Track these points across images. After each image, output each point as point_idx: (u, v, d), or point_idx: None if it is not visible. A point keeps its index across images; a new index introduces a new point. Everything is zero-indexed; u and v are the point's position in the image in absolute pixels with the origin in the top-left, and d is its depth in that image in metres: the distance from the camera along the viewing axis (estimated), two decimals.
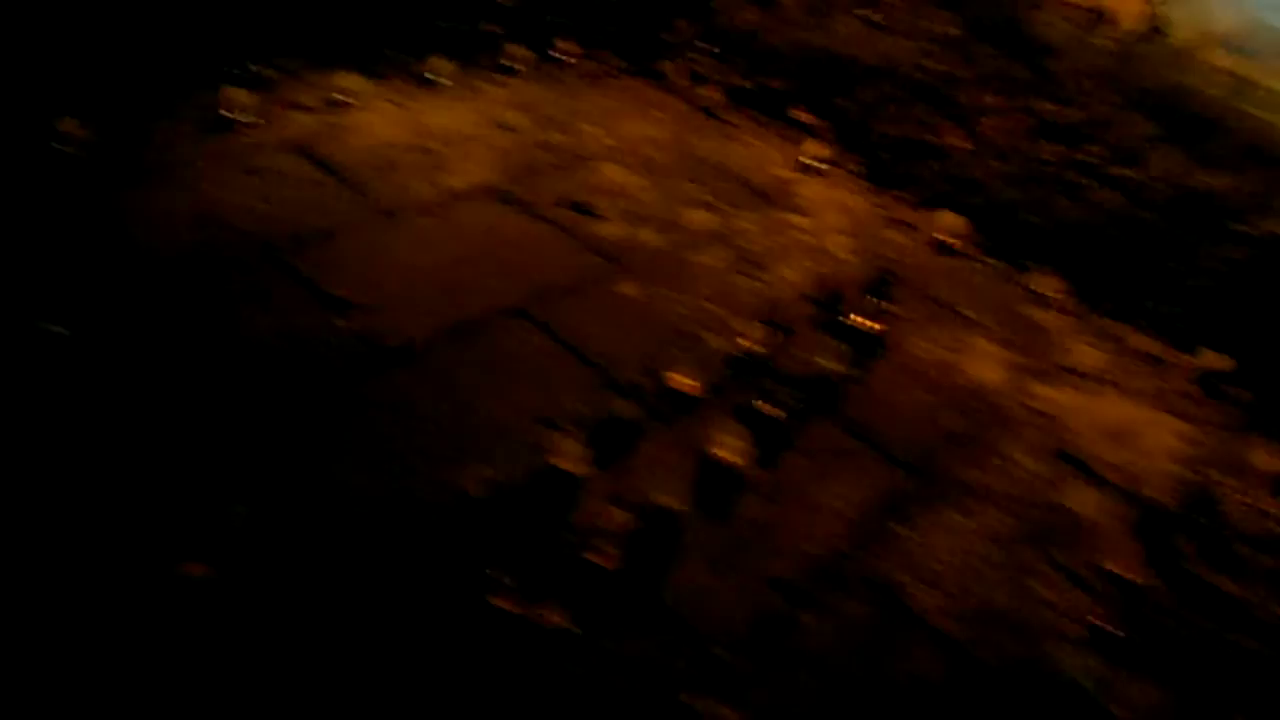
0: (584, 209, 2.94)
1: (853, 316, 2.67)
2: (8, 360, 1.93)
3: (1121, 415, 2.59)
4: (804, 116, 3.93)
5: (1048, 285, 3.15)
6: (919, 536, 2.00)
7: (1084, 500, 2.25)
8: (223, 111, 2.95)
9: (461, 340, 2.26)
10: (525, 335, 2.33)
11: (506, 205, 2.86)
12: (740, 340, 2.48)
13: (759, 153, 3.61)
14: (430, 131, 3.17)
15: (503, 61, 3.75)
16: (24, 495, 1.65)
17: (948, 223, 3.29)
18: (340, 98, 3.21)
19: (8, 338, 1.97)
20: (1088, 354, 2.84)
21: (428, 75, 3.50)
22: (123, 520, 1.65)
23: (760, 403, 2.26)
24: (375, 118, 3.18)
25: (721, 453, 2.04)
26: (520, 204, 2.89)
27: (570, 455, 1.91)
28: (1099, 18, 5.54)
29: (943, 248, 3.23)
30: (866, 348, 2.58)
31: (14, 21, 3.11)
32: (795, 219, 3.19)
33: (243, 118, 2.95)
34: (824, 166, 3.59)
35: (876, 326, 2.65)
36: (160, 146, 2.75)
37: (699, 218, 3.05)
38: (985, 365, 2.64)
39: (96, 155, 2.64)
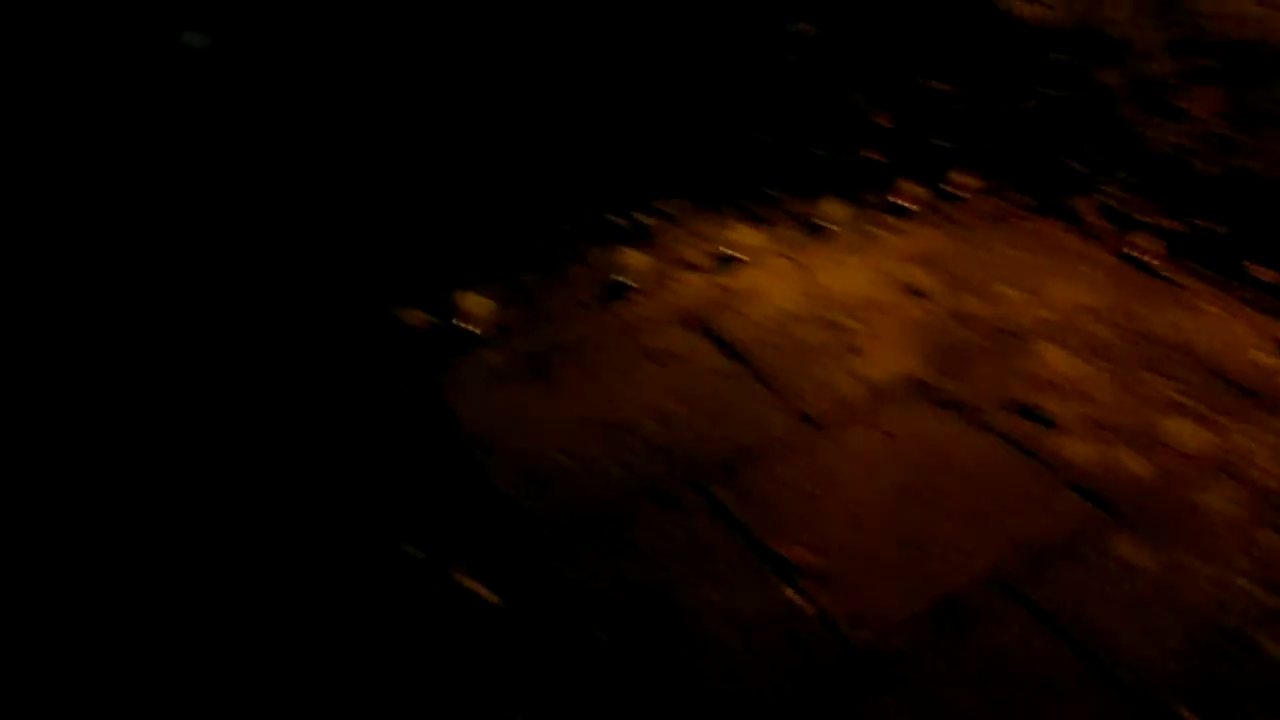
0: (1036, 415, 2.35)
1: None
2: (420, 614, 1.62)
3: None
4: (1267, 275, 3.13)
5: None
6: None
7: None
8: (612, 275, 2.66)
9: (944, 635, 1.73)
10: (1023, 630, 1.77)
11: (942, 409, 2.34)
12: None
13: (1224, 327, 2.86)
14: (831, 297, 2.72)
15: (892, 198, 3.26)
16: None
17: None
18: (728, 252, 2.85)
19: (424, 593, 1.68)
20: None
21: (814, 219, 3.08)
22: None
23: None
24: (768, 278, 2.77)
25: None
26: (957, 406, 2.35)
27: None
28: None
29: None
30: None
31: (386, 180, 3.01)
32: None
33: (633, 281, 2.64)
34: None
35: None
36: (554, 320, 2.48)
37: (1183, 430, 2.37)
38: None
39: (493, 335, 2.40)
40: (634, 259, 2.67)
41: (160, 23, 2.91)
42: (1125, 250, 3.18)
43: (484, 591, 1.69)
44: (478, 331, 2.38)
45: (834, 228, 3.07)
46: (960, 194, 3.36)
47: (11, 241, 2.40)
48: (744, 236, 2.88)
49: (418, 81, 3.36)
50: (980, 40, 4.20)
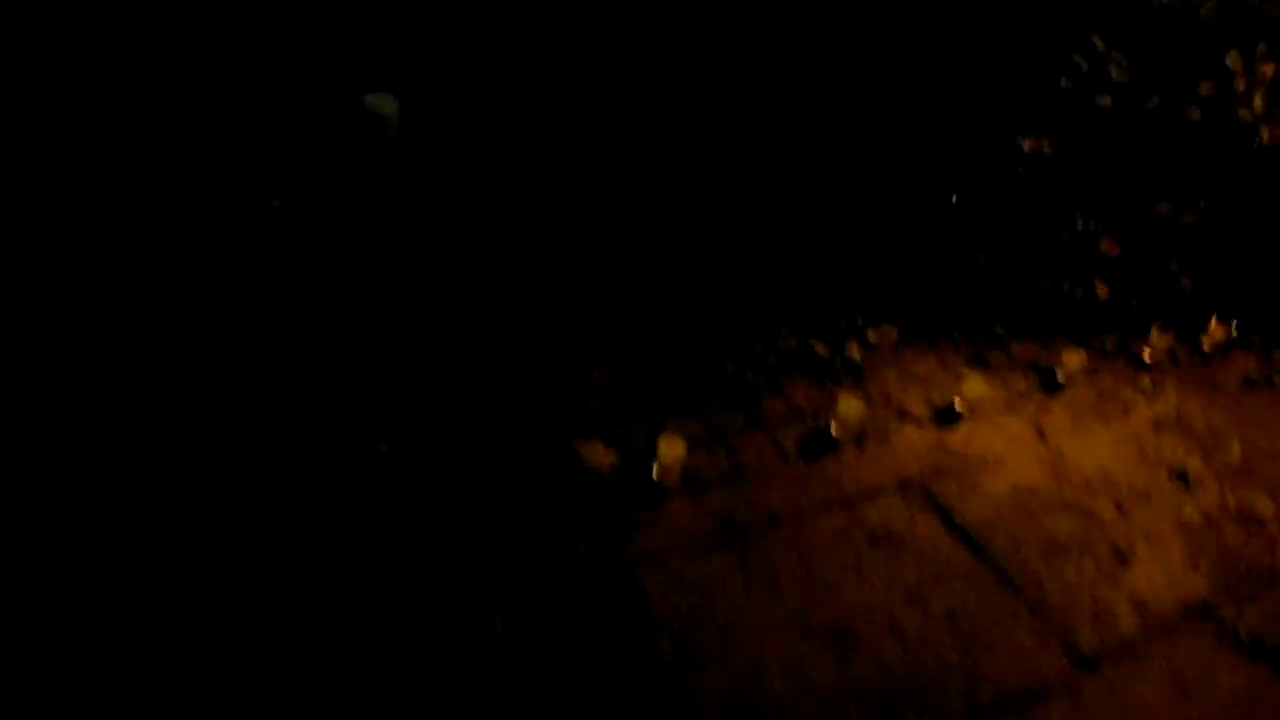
0: None
1: None
2: None
3: None
4: None
5: None
6: None
7: None
8: (819, 421, 2.27)
9: None
10: None
11: (1243, 654, 1.84)
12: None
13: None
14: (1079, 474, 2.26)
15: (1133, 347, 2.78)
16: None
17: None
18: (952, 402, 2.42)
19: None
20: None
21: (1046, 367, 2.63)
22: None
23: None
24: (1000, 441, 2.33)
25: None
26: (1261, 651, 1.85)
27: None
28: None
29: None
30: None
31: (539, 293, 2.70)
32: None
33: (841, 432, 2.24)
34: None
35: None
36: (753, 474, 2.09)
37: None
38: None
39: (684, 488, 2.03)
40: (843, 403, 2.27)
41: (344, 83, 2.71)
42: None
43: None
44: (665, 481, 2.01)
45: (1068, 381, 2.61)
46: (1211, 348, 2.85)
47: (205, 350, 2.18)
48: (968, 384, 2.45)
49: (620, 176, 3.08)
50: (1228, 164, 3.69)
